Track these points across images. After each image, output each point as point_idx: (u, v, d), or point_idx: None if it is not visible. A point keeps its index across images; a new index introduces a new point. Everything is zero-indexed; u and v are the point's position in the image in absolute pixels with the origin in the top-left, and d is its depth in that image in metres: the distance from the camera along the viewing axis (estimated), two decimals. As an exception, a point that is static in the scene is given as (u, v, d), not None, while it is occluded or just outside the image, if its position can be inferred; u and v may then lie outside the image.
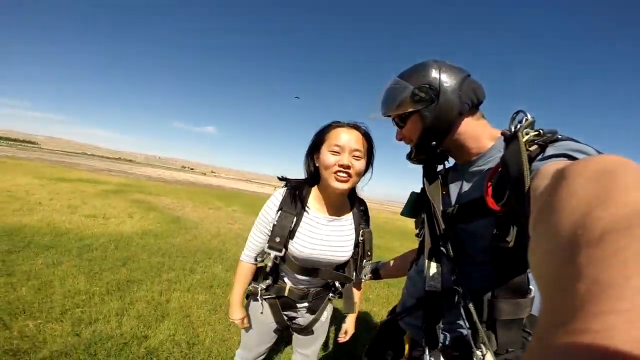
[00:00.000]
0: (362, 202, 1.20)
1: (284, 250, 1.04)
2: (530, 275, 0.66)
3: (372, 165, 1.10)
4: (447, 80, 0.73)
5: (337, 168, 0.99)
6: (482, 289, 0.70)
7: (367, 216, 1.20)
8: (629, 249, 0.18)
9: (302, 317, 1.23)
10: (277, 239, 1.03)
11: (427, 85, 0.73)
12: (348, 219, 1.14)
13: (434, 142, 0.78)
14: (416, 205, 0.95)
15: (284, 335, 1.49)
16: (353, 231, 1.13)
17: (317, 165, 1.07)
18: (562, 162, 0.48)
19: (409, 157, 0.88)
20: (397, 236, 10.10)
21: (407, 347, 0.87)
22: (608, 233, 0.20)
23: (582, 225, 0.23)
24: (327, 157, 1.00)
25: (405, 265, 1.14)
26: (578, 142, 0.54)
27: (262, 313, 1.20)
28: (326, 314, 1.27)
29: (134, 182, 14.88)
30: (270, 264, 1.13)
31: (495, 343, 0.66)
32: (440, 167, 0.93)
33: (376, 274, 1.31)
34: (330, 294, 1.23)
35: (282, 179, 1.14)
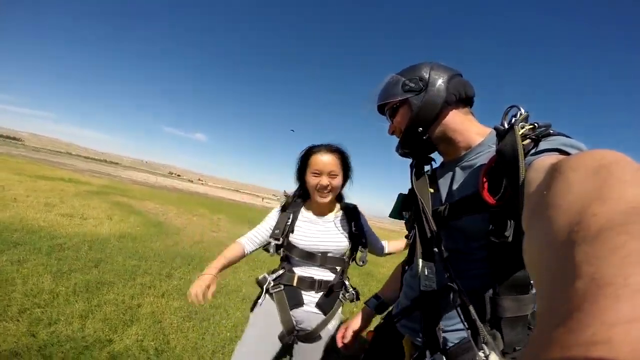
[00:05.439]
0: (349, 204, 1.43)
1: (282, 239, 1.29)
2: None
3: (350, 174, 1.36)
4: (436, 74, 0.78)
5: (319, 188, 1.26)
6: (481, 287, 0.68)
7: (357, 212, 1.41)
8: (627, 246, 0.18)
9: (310, 319, 1.25)
10: (277, 231, 1.30)
11: (417, 77, 0.78)
12: (338, 216, 1.38)
13: (421, 129, 0.80)
14: (404, 206, 0.95)
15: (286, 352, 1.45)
16: (345, 224, 1.35)
17: (305, 185, 1.34)
18: (555, 157, 0.48)
19: (397, 149, 0.90)
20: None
21: (406, 351, 0.82)
22: (605, 230, 0.20)
23: (579, 221, 0.23)
24: (310, 179, 1.27)
25: (400, 281, 1.08)
26: (570, 137, 0.55)
27: (265, 312, 1.25)
28: (334, 323, 1.30)
29: (117, 185, 14.50)
30: (281, 255, 1.36)
31: (502, 342, 0.63)
32: (427, 168, 0.93)
33: (381, 307, 1.13)
34: (342, 294, 1.31)
35: (285, 194, 1.46)
